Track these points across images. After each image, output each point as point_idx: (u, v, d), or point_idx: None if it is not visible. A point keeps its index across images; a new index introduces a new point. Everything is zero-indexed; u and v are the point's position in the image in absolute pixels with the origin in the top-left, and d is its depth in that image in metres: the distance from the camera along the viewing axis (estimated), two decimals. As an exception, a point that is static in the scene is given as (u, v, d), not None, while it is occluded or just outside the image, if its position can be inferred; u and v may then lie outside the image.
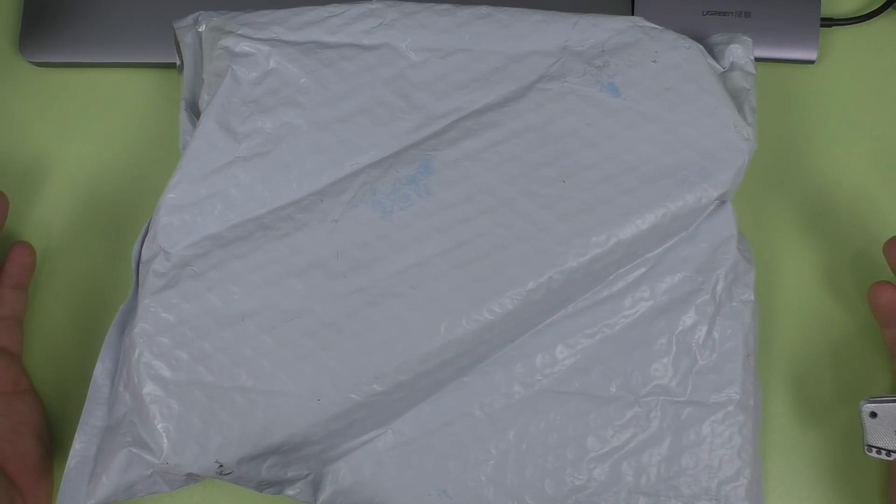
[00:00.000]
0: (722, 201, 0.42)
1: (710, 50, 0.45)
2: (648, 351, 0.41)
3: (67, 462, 0.40)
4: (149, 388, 0.39)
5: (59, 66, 0.50)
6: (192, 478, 0.40)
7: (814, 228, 0.48)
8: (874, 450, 0.39)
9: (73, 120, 0.50)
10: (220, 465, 0.39)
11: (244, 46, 0.43)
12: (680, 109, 0.42)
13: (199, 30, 0.45)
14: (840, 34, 0.50)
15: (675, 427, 0.41)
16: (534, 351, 0.42)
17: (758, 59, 0.49)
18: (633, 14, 0.49)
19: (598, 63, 0.43)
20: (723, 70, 0.44)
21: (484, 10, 0.44)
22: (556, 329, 0.42)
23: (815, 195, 0.48)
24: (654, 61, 0.43)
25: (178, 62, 0.46)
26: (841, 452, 0.45)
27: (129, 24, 0.49)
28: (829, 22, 0.50)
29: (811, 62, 0.49)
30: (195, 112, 0.44)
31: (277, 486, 0.41)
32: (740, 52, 0.44)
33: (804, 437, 0.45)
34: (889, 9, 0.50)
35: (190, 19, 0.45)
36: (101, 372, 0.42)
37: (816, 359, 0.46)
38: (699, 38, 0.46)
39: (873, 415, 0.39)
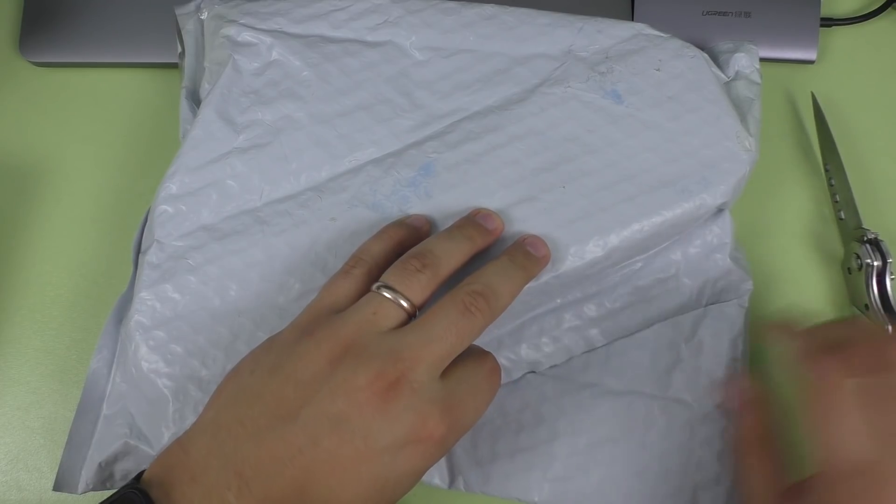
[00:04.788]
0: (720, 209, 0.42)
1: (716, 58, 0.45)
2: (630, 343, 0.42)
3: (64, 448, 0.41)
4: (145, 381, 0.39)
5: (59, 66, 0.50)
6: None
7: (813, 228, 0.48)
8: None
9: (73, 120, 0.50)
10: None
11: (246, 36, 0.43)
12: (682, 118, 0.41)
13: (202, 17, 0.44)
14: (840, 34, 0.50)
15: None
16: (518, 342, 0.42)
17: (757, 59, 0.49)
18: (633, 13, 0.49)
19: (601, 69, 0.43)
20: (727, 79, 0.44)
21: (489, 10, 0.44)
22: (541, 322, 0.42)
23: (814, 195, 0.48)
24: (658, 69, 0.42)
25: (178, 49, 0.46)
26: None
27: (129, 24, 0.49)
28: (829, 22, 0.50)
29: (811, 62, 0.49)
30: (195, 100, 0.44)
31: None
32: (745, 60, 0.44)
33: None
34: (889, 9, 0.50)
35: (192, 6, 0.45)
36: (98, 362, 0.42)
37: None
38: (700, 38, 0.45)
39: None
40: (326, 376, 0.31)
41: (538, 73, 0.43)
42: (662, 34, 0.44)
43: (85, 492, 0.40)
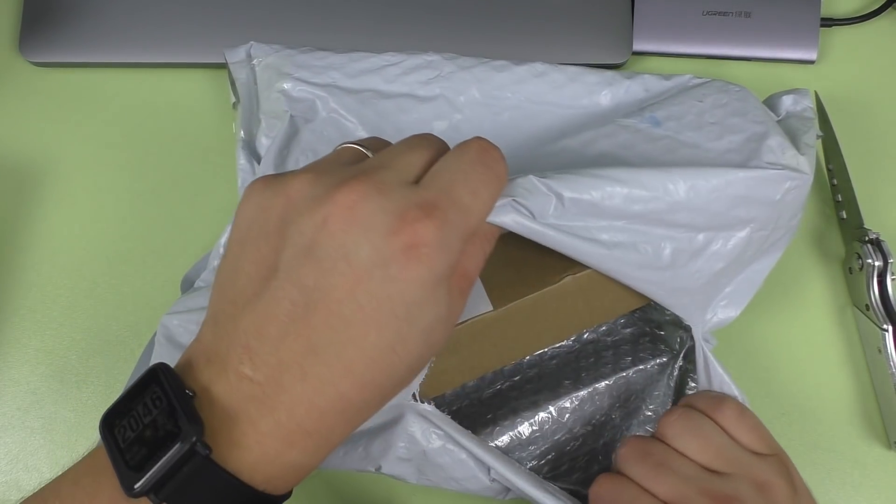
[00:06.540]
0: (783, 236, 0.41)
1: (766, 102, 0.44)
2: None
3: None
4: None
5: (59, 66, 0.50)
6: None
7: (814, 228, 0.48)
8: None
9: (73, 120, 0.50)
10: None
11: (302, 92, 0.43)
12: (724, 139, 0.40)
13: (253, 64, 0.44)
14: (840, 34, 0.51)
15: None
16: None
17: (758, 59, 0.49)
18: (633, 13, 0.49)
19: (642, 106, 0.43)
20: (778, 118, 0.43)
21: (539, 67, 0.44)
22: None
23: (815, 195, 0.48)
24: (700, 101, 0.42)
25: (232, 99, 0.45)
26: (841, 452, 0.45)
27: (130, 25, 0.49)
28: (829, 22, 0.50)
29: (811, 62, 0.49)
30: (251, 150, 0.44)
31: None
32: (797, 100, 0.43)
33: (803, 436, 0.45)
34: (889, 9, 0.50)
35: (242, 53, 0.44)
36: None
37: (815, 358, 0.46)
38: (700, 39, 0.45)
39: None
40: (291, 213, 0.28)
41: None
42: (708, 79, 0.44)
43: None
